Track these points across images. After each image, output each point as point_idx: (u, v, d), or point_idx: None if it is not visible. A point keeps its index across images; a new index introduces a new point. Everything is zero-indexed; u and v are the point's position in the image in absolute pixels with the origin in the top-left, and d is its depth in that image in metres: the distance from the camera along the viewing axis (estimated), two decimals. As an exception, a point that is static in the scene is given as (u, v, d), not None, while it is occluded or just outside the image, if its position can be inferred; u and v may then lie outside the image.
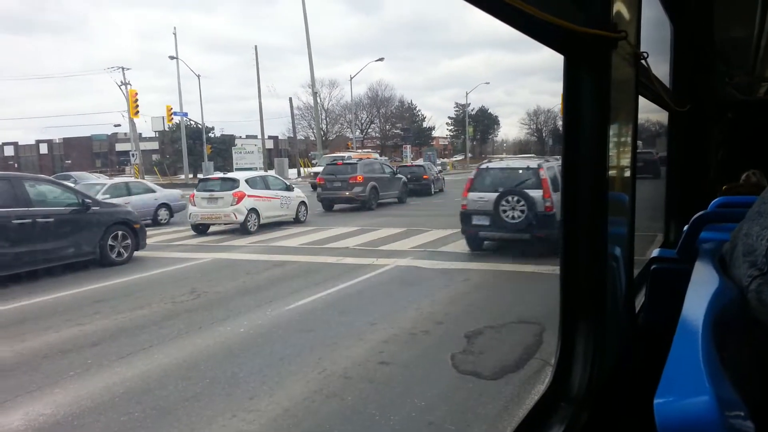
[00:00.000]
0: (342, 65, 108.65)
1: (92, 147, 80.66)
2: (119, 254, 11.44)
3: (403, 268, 10.06)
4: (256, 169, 56.02)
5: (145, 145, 76.52)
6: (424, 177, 27.86)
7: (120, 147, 75.66)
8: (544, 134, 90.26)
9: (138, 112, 39.01)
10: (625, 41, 1.40)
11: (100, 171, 73.10)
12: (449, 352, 5.79)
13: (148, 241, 13.96)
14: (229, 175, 16.35)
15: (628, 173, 1.73)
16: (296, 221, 16.75)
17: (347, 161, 21.67)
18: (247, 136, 74.55)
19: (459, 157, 75.79)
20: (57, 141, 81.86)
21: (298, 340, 6.32)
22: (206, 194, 14.80)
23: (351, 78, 54.15)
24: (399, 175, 23.40)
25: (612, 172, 1.51)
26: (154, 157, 72.05)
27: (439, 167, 37.47)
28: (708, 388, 0.58)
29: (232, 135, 73.79)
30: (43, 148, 77.78)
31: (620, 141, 1.61)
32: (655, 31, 2.86)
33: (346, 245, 12.59)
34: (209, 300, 8.18)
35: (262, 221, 15.27)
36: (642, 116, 2.08)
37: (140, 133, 78.10)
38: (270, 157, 66.65)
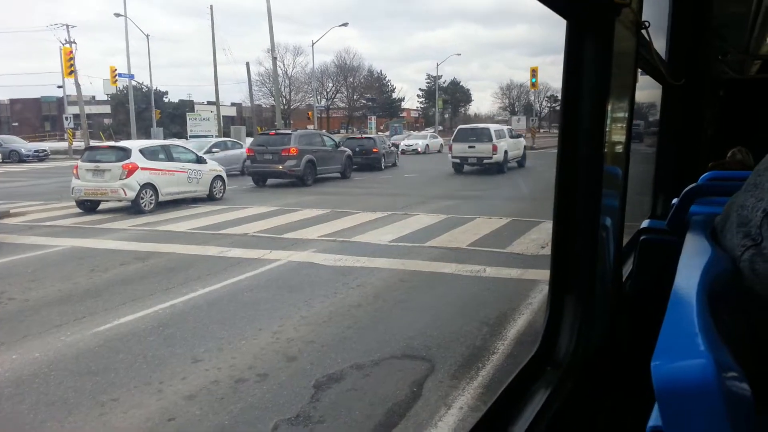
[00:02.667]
0: (315, 33, 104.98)
1: (41, 109, 76.29)
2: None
3: (296, 265, 8.08)
4: (211, 136, 53.11)
5: (98, 109, 72.50)
6: (374, 150, 25.79)
7: (71, 110, 71.60)
8: (516, 109, 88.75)
9: (72, 72, 35.66)
10: (628, 8, 1.39)
11: (49, 134, 68.95)
12: (275, 418, 3.87)
13: (21, 219, 11.75)
14: (121, 143, 13.99)
15: (623, 145, 1.68)
16: (210, 198, 14.57)
17: (281, 131, 19.41)
18: (209, 102, 70.93)
19: (430, 130, 73.69)
20: (4, 102, 77.11)
21: (66, 389, 4.30)
22: (91, 165, 12.48)
23: (313, 43, 51.14)
24: (342, 148, 21.25)
25: (608, 144, 1.46)
26: (106, 121, 68.32)
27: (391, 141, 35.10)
28: (704, 352, 0.58)
29: (192, 101, 70.29)
30: (-10, 109, 73.22)
31: (618, 113, 1.55)
32: (653, 2, 2.54)
33: (246, 231, 10.53)
34: (6, 312, 6.08)
35: (161, 198, 13.05)
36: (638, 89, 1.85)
37: (93, 96, 74.12)
38: (234, 125, 63.52)
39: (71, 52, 34.99)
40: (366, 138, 28.83)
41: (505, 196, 15.94)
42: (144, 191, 12.50)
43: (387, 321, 5.91)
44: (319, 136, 20.39)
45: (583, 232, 1.49)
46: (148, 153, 12.99)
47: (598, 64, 1.36)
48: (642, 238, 1.93)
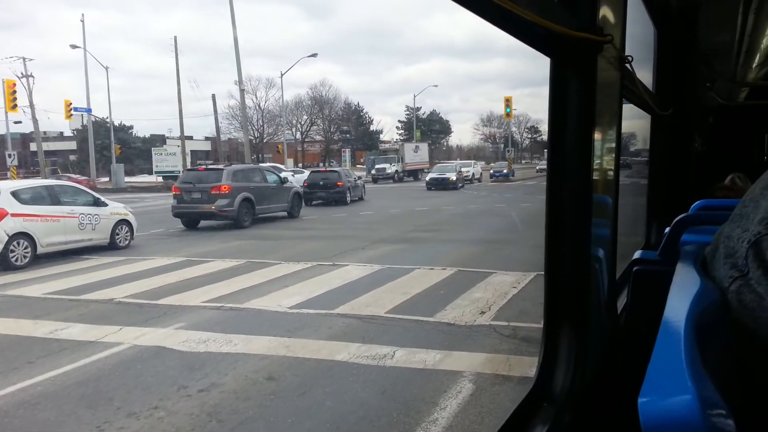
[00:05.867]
0: (295, 67, 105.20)
1: (5, 145, 73.89)
2: None
3: (136, 353, 5.93)
4: (177, 172, 50.95)
5: (64, 145, 70.26)
6: (338, 184, 24.18)
7: (35, 146, 69.29)
8: (497, 140, 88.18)
9: (15, 105, 33.54)
10: (610, 45, 1.41)
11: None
12: None
13: None
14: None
15: (611, 176, 1.71)
16: (112, 247, 12.39)
17: (212, 167, 17.37)
18: (185, 138, 69.05)
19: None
20: (-33, 139, 74.82)
21: None
22: (-50, 213, 10.29)
23: (282, 74, 49.70)
24: (289, 185, 19.23)
25: (596, 175, 1.50)
26: (72, 157, 66.10)
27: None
28: (691, 388, 0.59)
29: (163, 135, 68.36)
30: (-49, 147, 70.89)
31: (605, 144, 1.61)
32: (638, 34, 2.70)
33: (115, 295, 8.35)
34: None
35: (42, 250, 10.85)
36: (625, 120, 1.91)
37: (61, 132, 72.01)
38: (207, 159, 61.57)
39: (14, 85, 32.92)
40: (330, 171, 27.21)
41: (460, 239, 13.94)
42: (15, 243, 10.30)
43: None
44: (259, 171, 18.30)
45: (575, 264, 1.47)
46: (25, 196, 10.84)
47: (582, 98, 1.39)
48: (635, 269, 1.89)
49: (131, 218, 12.94)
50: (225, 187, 15.80)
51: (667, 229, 1.70)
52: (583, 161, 1.41)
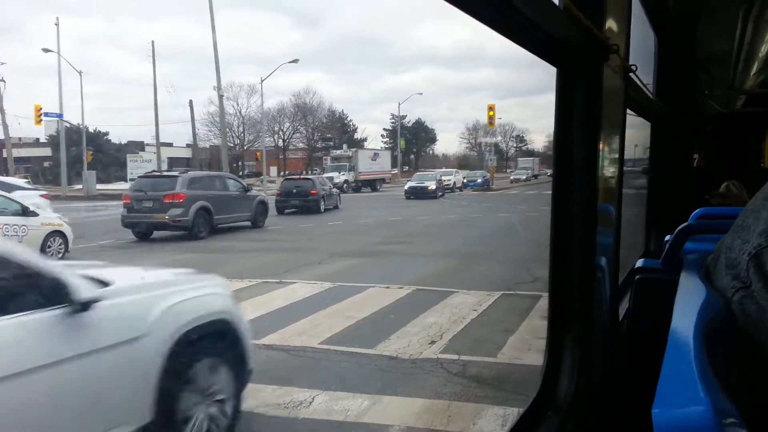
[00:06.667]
0: (283, 76, 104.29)
1: (-23, 152, 72.06)
2: None
3: None
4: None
5: (40, 151, 68.68)
6: (312, 192, 23.30)
7: (14, 152, 67.50)
8: (483, 148, 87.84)
9: (-23, 109, 32.17)
10: (615, 54, 1.44)
11: (-17, 179, 64.24)
12: None
13: None
14: None
15: (615, 185, 1.73)
16: (43, 261, 11.24)
17: (166, 173, 16.29)
18: (164, 144, 67.48)
19: (394, 170, 71.23)
20: (-60, 145, 72.83)
21: None
22: None
23: (262, 80, 48.56)
24: (253, 193, 18.20)
25: (601, 184, 1.51)
26: (46, 164, 64.49)
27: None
28: (704, 399, 0.58)
29: (143, 142, 66.94)
30: None
31: (610, 153, 1.61)
32: (640, 43, 2.72)
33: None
34: None
35: (-47, 265, 9.69)
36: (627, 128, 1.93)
37: (37, 138, 70.38)
38: (187, 166, 60.27)
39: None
40: (304, 179, 26.26)
41: (428, 253, 12.97)
42: None
43: None
44: (219, 178, 17.24)
45: (580, 272, 1.47)
46: (-65, 205, 9.70)
47: (588, 107, 1.39)
48: (637, 277, 1.90)
49: (66, 229, 11.78)
50: (179, 196, 14.71)
51: (668, 238, 1.70)
52: (589, 170, 1.41)
